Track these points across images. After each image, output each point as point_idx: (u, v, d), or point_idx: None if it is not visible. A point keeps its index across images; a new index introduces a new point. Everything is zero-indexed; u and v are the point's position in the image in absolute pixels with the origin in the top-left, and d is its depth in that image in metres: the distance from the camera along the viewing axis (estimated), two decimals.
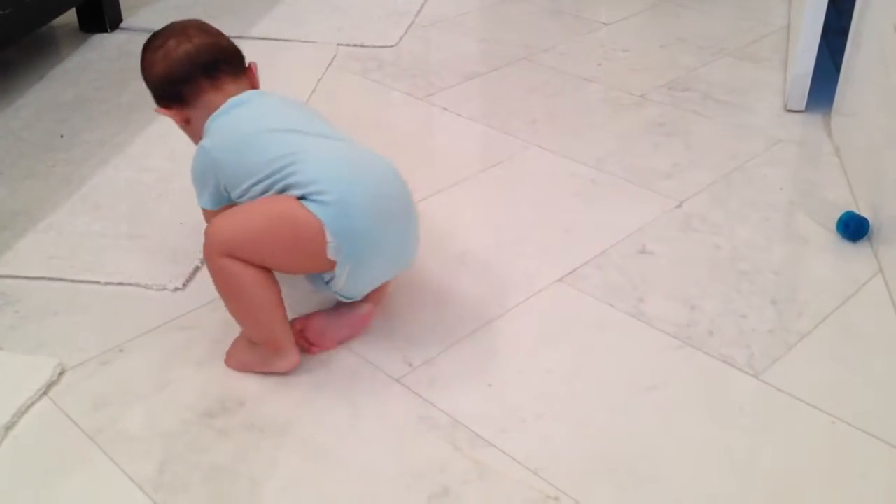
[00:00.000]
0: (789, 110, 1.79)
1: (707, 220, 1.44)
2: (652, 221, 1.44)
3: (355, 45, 2.10)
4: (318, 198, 1.05)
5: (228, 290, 1.09)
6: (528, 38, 2.17)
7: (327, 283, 1.11)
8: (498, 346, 1.18)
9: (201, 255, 1.16)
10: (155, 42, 1.20)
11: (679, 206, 1.48)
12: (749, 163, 1.60)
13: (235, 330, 1.15)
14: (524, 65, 2.03)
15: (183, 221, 1.41)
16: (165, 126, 1.71)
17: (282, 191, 1.08)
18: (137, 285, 1.28)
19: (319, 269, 1.10)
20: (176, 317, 1.22)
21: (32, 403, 1.06)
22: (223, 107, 1.16)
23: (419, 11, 2.31)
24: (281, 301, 1.10)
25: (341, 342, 1.17)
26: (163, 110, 1.20)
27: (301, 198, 1.06)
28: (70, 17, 2.12)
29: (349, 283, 1.11)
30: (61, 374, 1.11)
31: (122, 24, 2.18)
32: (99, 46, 2.08)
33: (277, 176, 1.08)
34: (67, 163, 1.61)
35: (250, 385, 1.10)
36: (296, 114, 1.18)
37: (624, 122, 1.76)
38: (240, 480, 0.98)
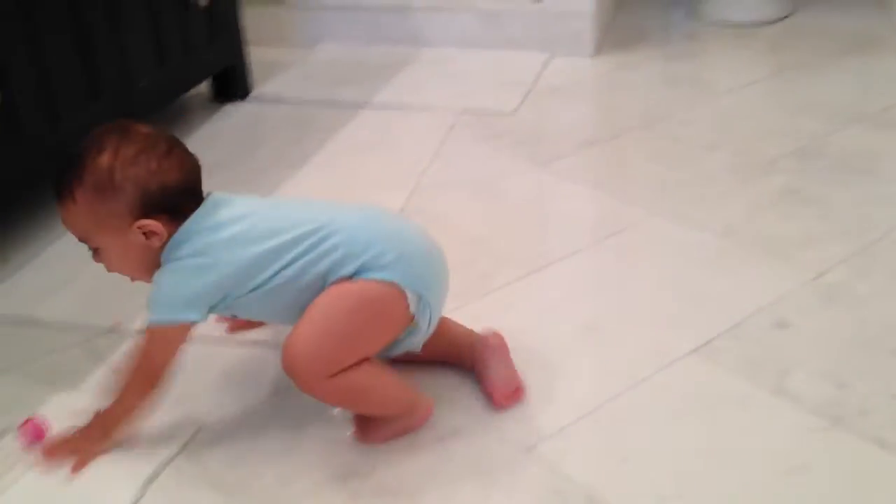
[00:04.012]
0: None
1: (850, 293, 1.37)
2: (789, 293, 1.38)
3: (474, 113, 2.13)
4: (379, 262, 1.03)
5: (352, 401, 1.08)
6: (645, 105, 2.16)
7: (402, 340, 1.09)
8: (631, 419, 1.14)
9: None
10: (158, 144, 1.04)
11: (818, 277, 1.42)
12: (893, 233, 1.53)
13: None
14: (643, 132, 2.01)
15: None
16: (293, 189, 1.77)
17: (330, 268, 1.03)
18: (266, 343, 1.30)
19: (400, 333, 1.08)
20: None
21: (172, 459, 1.08)
22: (208, 204, 1.06)
23: (536, 80, 2.33)
24: (387, 368, 1.10)
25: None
26: (148, 223, 1.02)
27: (357, 273, 1.03)
28: (204, 87, 2.22)
29: (425, 328, 1.10)
30: (198, 431, 1.13)
31: (253, 94, 2.27)
32: (230, 115, 2.17)
33: (315, 252, 1.03)
34: None
35: (380, 450, 1.10)
36: (279, 201, 1.16)
37: (752, 191, 1.72)
38: None
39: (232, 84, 2.22)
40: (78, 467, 1.06)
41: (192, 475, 1.06)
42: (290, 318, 1.05)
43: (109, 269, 1.09)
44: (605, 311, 1.36)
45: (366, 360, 1.05)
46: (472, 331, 1.22)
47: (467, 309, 1.37)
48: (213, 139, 2.05)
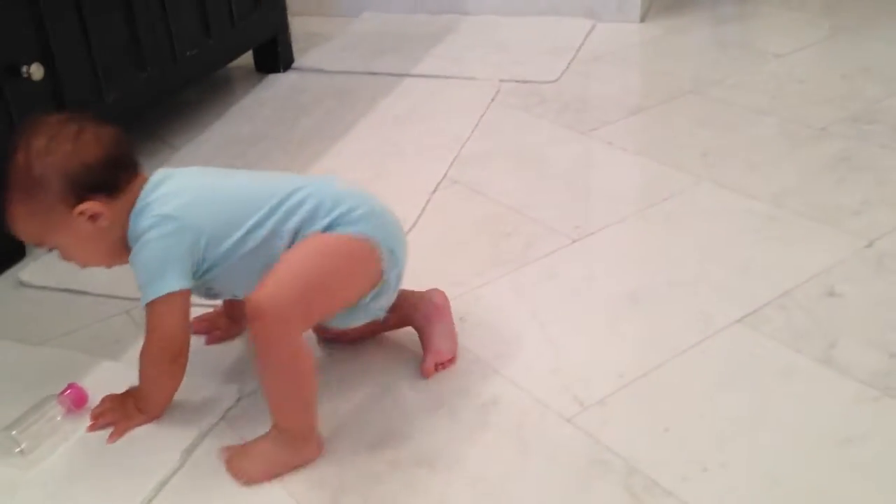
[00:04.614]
0: None
1: None
2: (840, 261, 1.34)
3: (517, 81, 2.10)
4: (352, 215, 1.03)
5: (287, 373, 0.99)
6: (694, 70, 2.11)
7: (368, 304, 1.07)
8: (674, 388, 1.12)
9: None
10: (65, 128, 1.01)
11: (870, 245, 1.37)
12: None
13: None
14: (691, 98, 1.96)
15: None
16: (333, 160, 1.77)
17: (301, 224, 1.02)
18: None
19: (370, 290, 1.06)
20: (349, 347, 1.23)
21: (212, 428, 1.09)
22: (150, 184, 1.04)
23: (581, 46, 2.29)
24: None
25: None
26: (87, 206, 1.00)
27: (329, 227, 1.02)
28: (246, 58, 2.22)
29: (392, 287, 1.09)
30: (238, 400, 1.14)
31: (294, 65, 2.27)
32: (272, 85, 2.18)
33: (285, 209, 1.02)
34: None
35: (419, 419, 1.09)
36: (227, 170, 1.14)
37: (803, 157, 1.67)
38: None
39: (274, 55, 2.22)
40: (114, 438, 1.07)
41: (232, 443, 1.06)
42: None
43: (80, 265, 1.08)
44: (649, 281, 1.33)
45: (312, 357, 1.01)
46: (414, 291, 1.19)
47: (510, 278, 1.36)
48: (255, 109, 2.05)
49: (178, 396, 1.11)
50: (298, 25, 2.34)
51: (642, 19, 2.43)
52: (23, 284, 1.42)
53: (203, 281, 1.05)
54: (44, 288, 1.40)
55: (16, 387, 1.15)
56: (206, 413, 1.11)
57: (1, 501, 1.01)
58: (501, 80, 2.10)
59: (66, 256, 1.06)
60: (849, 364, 1.13)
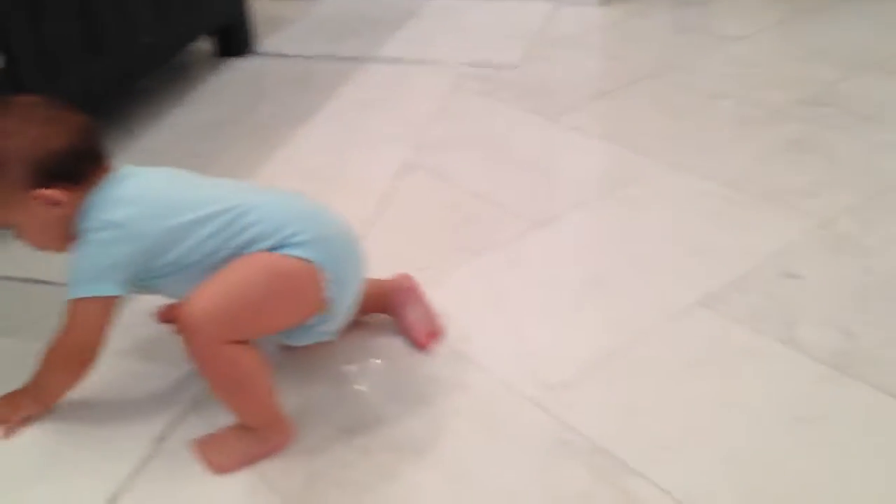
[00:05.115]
0: None
1: (856, 242, 1.36)
2: (795, 242, 1.37)
3: (479, 66, 2.10)
4: (296, 239, 1.00)
5: (230, 381, 0.99)
6: (654, 54, 2.13)
7: (314, 327, 1.06)
8: (637, 369, 1.14)
9: None
10: (36, 112, 1.01)
11: (825, 226, 1.41)
12: None
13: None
14: (651, 82, 1.99)
15: None
16: (295, 147, 1.76)
17: (246, 244, 0.99)
18: None
19: (311, 315, 1.04)
20: None
21: (181, 416, 1.09)
22: (110, 180, 1.02)
23: (542, 30, 2.31)
24: (270, 373, 1.03)
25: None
26: (46, 192, 0.99)
27: (273, 248, 1.00)
28: (206, 43, 2.20)
29: (340, 314, 1.07)
30: (207, 387, 1.14)
31: (255, 49, 2.25)
32: (233, 70, 2.16)
33: (230, 229, 0.99)
34: None
35: (388, 406, 1.10)
36: (191, 174, 1.09)
37: (758, 140, 1.70)
38: (383, 501, 0.98)
39: (234, 40, 2.20)
40: (6, 434, 1.06)
41: (202, 430, 1.06)
42: None
43: (33, 246, 1.06)
44: (611, 264, 1.36)
45: (257, 351, 1.00)
46: (380, 279, 1.20)
47: (473, 264, 1.37)
48: (216, 95, 2.03)
49: (146, 383, 1.11)
50: (258, 9, 2.31)
51: (603, 2, 2.45)
52: None
53: (145, 286, 1.04)
54: (6, 278, 1.38)
55: None
56: (174, 401, 1.11)
57: None
58: (464, 65, 2.11)
59: (18, 236, 1.06)
60: (808, 344, 1.16)
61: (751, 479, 0.97)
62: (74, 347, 1.02)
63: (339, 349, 1.19)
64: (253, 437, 1.03)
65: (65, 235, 1.03)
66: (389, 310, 1.21)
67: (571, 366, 1.15)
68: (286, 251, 0.99)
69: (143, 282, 1.03)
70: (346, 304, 1.07)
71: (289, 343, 1.11)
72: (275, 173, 1.68)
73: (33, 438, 1.07)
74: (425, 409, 1.10)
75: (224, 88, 2.07)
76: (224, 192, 1.04)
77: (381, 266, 1.19)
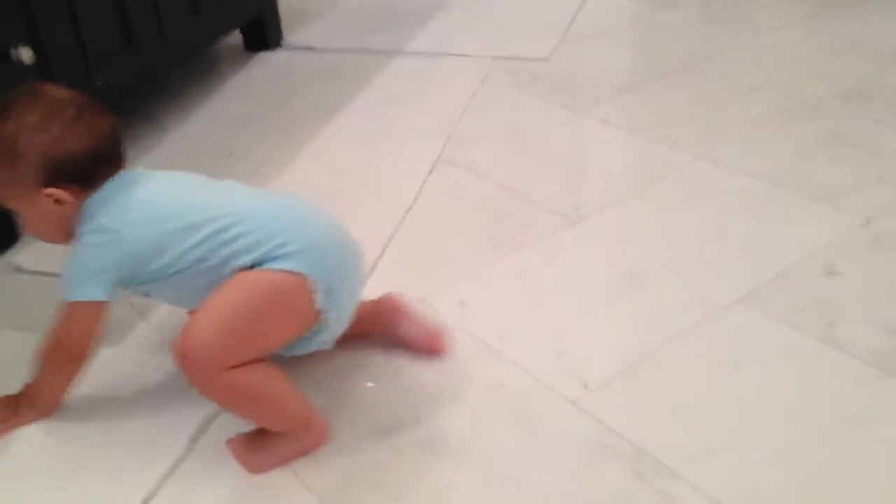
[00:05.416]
0: None
1: None
2: (837, 239, 1.34)
3: (509, 58, 2.08)
4: (284, 250, 0.97)
5: (245, 403, 0.99)
6: (684, 46, 2.10)
7: (310, 338, 1.04)
8: (677, 369, 1.12)
9: None
10: (64, 109, 1.00)
11: (866, 223, 1.38)
12: None
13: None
14: (685, 75, 1.95)
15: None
16: (325, 141, 1.75)
17: (230, 257, 0.97)
18: None
19: (305, 329, 1.02)
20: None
21: (217, 413, 1.09)
22: (108, 184, 1.02)
23: (572, 22, 2.28)
24: (284, 376, 1.01)
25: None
26: (56, 191, 0.99)
27: (260, 262, 0.97)
28: (234, 37, 2.19)
29: (335, 325, 1.04)
30: None
31: (284, 42, 2.24)
32: (262, 64, 2.15)
33: (219, 239, 0.97)
34: (236, 178, 1.65)
35: (424, 405, 1.09)
36: (195, 178, 1.07)
37: (797, 134, 1.67)
38: (419, 500, 0.96)
39: (263, 33, 2.19)
40: (2, 433, 1.07)
41: (237, 431, 1.06)
42: (193, 304, 1.01)
43: (28, 232, 1.08)
44: (647, 261, 1.33)
45: (263, 361, 0.98)
46: (369, 301, 1.16)
47: (507, 261, 1.35)
48: (245, 89, 2.03)
49: (179, 382, 1.10)
50: (286, 1, 2.30)
51: None
52: (18, 270, 1.40)
53: (138, 290, 1.04)
54: (40, 273, 1.38)
55: (12, 378, 1.14)
56: (207, 400, 1.09)
57: (4, 490, 1.00)
58: (493, 58, 2.09)
59: (24, 224, 1.07)
60: (850, 343, 1.13)
61: (798, 483, 0.95)
62: (60, 349, 1.03)
63: (369, 349, 1.18)
64: (287, 437, 1.02)
65: (66, 231, 1.03)
66: (386, 332, 1.18)
67: (609, 365, 1.13)
68: (274, 264, 0.97)
69: (133, 286, 1.02)
70: (341, 313, 1.04)
71: (284, 354, 1.07)
72: (305, 168, 1.67)
73: (68, 439, 1.06)
74: (460, 408, 1.08)
75: (253, 82, 2.06)
76: (219, 199, 1.02)
77: (414, 262, 1.18)
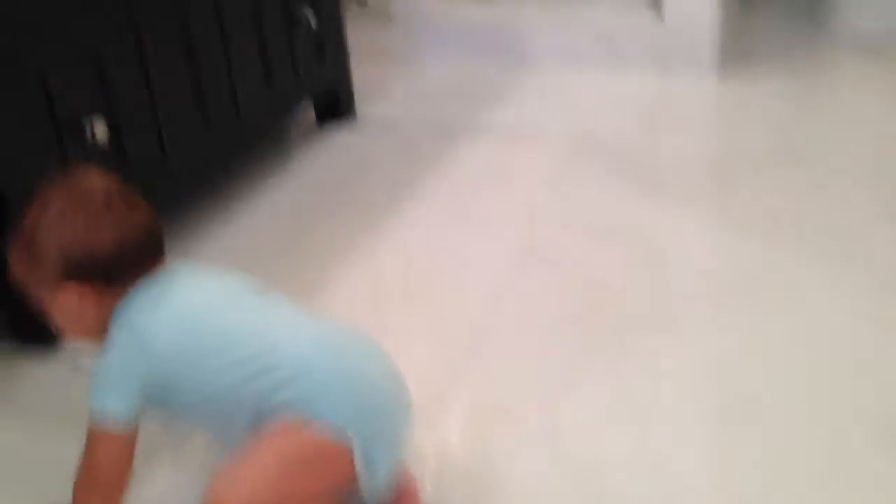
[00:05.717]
0: None
1: None
2: None
3: (589, 141, 1.99)
4: (325, 410, 0.91)
5: None
6: (776, 132, 1.98)
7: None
8: None
9: None
10: (93, 200, 0.95)
11: None
12: None
13: None
14: (781, 164, 1.83)
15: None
16: (400, 231, 1.66)
17: (267, 400, 0.91)
18: None
19: (340, 492, 0.94)
20: None
21: None
22: (143, 284, 0.95)
23: (655, 104, 2.18)
24: None
25: None
26: (76, 287, 0.93)
27: (290, 401, 0.91)
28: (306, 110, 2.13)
29: (373, 492, 0.94)
30: None
31: (356, 115, 2.17)
32: (335, 140, 2.05)
33: (257, 385, 0.92)
34: (303, 271, 1.58)
35: None
36: (238, 287, 1.00)
37: None
38: None
39: (336, 106, 2.13)
40: None
41: None
42: (225, 434, 0.96)
43: (63, 333, 1.01)
44: (761, 382, 1.21)
45: None
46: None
47: (603, 373, 1.24)
48: (316, 165, 1.95)
49: None
50: (358, 74, 2.24)
51: (718, 75, 2.31)
52: (75, 369, 1.30)
53: (162, 407, 0.96)
54: None
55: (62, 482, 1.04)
56: None
57: None
58: (573, 139, 2.00)
59: (47, 315, 0.99)
60: None
61: None
62: (91, 480, 0.93)
63: None
64: None
65: (91, 328, 0.96)
66: None
67: None
68: (314, 424, 0.90)
69: (159, 403, 0.94)
70: (379, 479, 0.94)
71: None
72: (375, 253, 1.58)
73: None
74: None
75: (324, 159, 1.98)
76: (262, 327, 0.95)
77: (505, 371, 1.08)
